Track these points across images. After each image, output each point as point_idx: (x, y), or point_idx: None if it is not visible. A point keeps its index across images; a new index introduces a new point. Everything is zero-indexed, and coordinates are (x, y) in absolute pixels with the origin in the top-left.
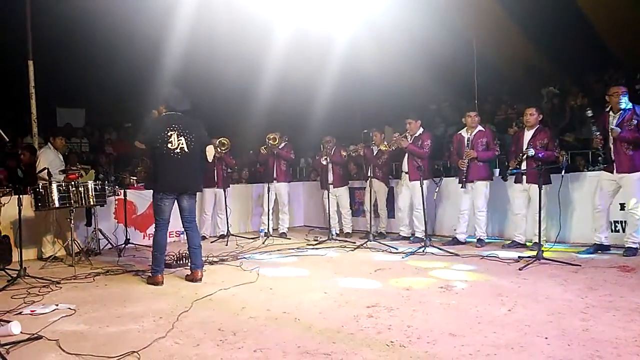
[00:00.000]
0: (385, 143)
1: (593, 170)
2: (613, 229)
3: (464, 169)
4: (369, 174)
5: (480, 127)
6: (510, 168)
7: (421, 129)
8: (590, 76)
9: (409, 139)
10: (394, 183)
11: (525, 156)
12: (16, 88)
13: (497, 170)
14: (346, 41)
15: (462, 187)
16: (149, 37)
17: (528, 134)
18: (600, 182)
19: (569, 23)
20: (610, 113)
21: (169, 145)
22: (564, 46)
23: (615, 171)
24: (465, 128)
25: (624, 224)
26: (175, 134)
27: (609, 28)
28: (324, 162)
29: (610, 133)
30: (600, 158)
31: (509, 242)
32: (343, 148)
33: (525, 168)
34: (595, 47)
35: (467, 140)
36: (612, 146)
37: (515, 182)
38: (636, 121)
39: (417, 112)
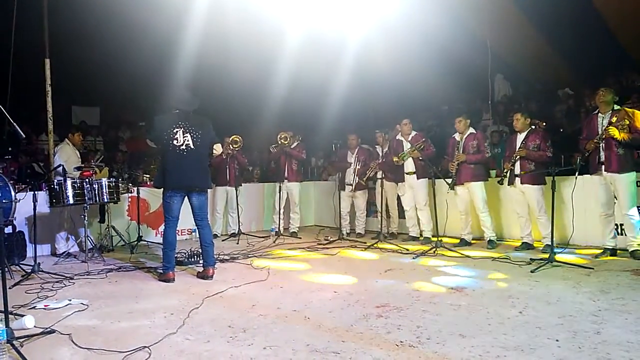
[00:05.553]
0: (396, 158)
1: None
2: (619, 232)
3: (453, 171)
4: (378, 175)
5: (471, 130)
6: (504, 171)
7: (414, 132)
8: (608, 78)
9: (408, 139)
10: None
11: (518, 157)
12: (32, 86)
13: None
14: (359, 41)
15: (451, 189)
16: (162, 37)
17: (520, 137)
18: (596, 187)
19: (586, 23)
20: (599, 114)
21: (175, 142)
22: (580, 47)
23: (604, 171)
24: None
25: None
26: (181, 131)
27: (627, 29)
28: (350, 156)
29: (604, 132)
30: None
31: (520, 244)
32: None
33: (518, 170)
34: (612, 48)
35: (458, 144)
36: (601, 146)
37: (508, 184)
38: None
39: (430, 112)
